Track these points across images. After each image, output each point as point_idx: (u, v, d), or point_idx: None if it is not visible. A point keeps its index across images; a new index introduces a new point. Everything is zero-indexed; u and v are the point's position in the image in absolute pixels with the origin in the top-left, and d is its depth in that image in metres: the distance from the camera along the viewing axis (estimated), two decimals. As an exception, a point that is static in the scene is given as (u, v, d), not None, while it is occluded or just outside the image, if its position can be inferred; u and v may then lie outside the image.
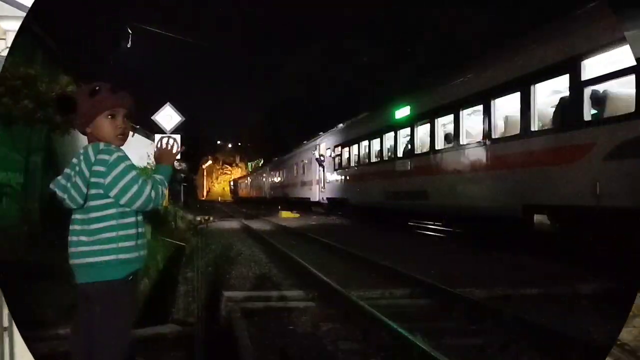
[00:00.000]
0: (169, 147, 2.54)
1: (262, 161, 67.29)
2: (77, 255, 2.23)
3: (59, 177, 2.27)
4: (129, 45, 18.70)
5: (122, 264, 2.25)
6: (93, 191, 2.21)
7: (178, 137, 11.78)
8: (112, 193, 2.21)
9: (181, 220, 16.39)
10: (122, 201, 2.22)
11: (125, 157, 2.26)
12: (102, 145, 2.25)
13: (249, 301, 5.86)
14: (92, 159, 2.20)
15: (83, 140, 2.38)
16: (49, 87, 8.33)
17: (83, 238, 2.22)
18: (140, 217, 2.34)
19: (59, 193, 2.24)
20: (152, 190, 2.26)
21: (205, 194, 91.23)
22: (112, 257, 2.22)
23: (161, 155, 2.49)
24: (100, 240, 2.21)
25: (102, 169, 2.20)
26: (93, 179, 2.20)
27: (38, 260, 6.71)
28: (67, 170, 2.27)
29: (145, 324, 4.48)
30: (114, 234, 2.23)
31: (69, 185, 2.22)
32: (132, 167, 2.27)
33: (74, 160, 2.26)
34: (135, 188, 2.21)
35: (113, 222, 2.24)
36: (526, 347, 4.29)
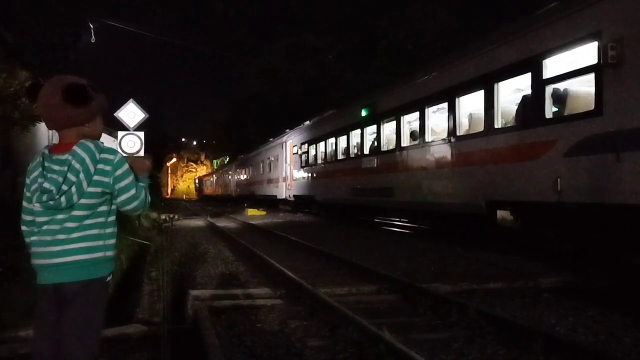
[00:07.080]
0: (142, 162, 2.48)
1: (227, 159, 66.68)
2: (56, 255, 2.13)
3: (51, 175, 2.12)
4: (92, 40, 18.24)
5: (108, 261, 2.26)
6: (90, 189, 2.16)
7: (142, 134, 11.57)
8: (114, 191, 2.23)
9: (145, 219, 16.13)
10: (119, 200, 2.24)
11: (125, 159, 2.28)
12: (101, 144, 2.23)
13: (215, 299, 5.82)
14: (97, 157, 2.17)
15: (42, 138, 2.31)
16: (7, 82, 8.11)
17: (61, 237, 2.14)
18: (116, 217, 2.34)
19: (54, 192, 2.09)
20: (146, 196, 2.31)
21: (170, 192, 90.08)
22: (100, 254, 2.21)
23: (135, 166, 2.37)
24: (88, 237, 2.18)
25: (107, 167, 2.18)
26: (96, 177, 2.16)
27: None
28: (55, 167, 2.14)
29: (109, 324, 4.39)
30: (102, 231, 2.23)
31: (64, 184, 2.10)
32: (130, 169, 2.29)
33: (68, 157, 2.12)
34: (133, 190, 2.25)
35: (102, 220, 2.24)
36: (491, 341, 4.37)
